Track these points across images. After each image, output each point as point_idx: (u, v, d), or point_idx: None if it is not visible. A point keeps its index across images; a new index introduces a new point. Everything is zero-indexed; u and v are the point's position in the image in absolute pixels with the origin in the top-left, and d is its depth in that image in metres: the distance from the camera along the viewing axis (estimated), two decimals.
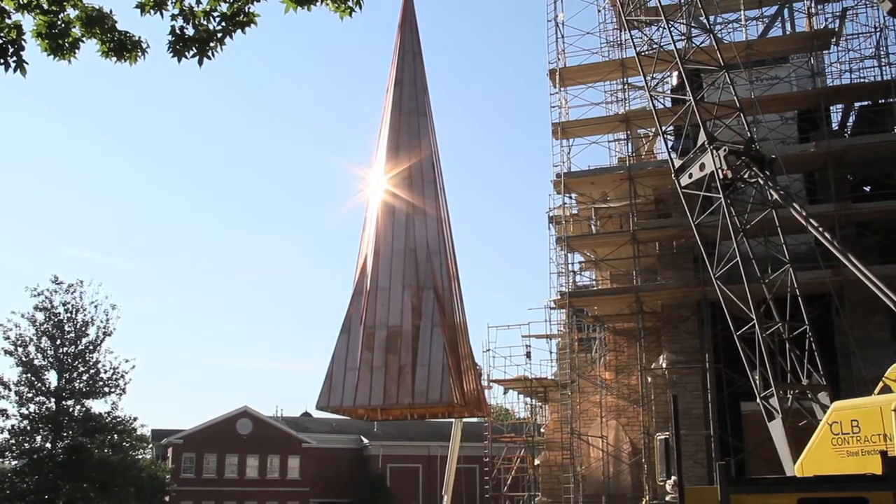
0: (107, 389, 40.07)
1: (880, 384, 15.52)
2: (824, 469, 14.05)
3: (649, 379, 28.93)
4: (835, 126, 30.63)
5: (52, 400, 39.04)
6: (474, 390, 16.06)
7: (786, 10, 32.18)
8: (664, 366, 28.32)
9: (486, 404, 19.31)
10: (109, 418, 39.94)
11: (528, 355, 34.43)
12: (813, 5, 32.27)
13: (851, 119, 31.37)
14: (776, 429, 17.90)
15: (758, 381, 18.50)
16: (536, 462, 34.53)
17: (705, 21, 24.31)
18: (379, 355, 15.09)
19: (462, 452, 34.53)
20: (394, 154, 16.41)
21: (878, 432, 14.01)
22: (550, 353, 35.66)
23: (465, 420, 35.09)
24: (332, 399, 15.14)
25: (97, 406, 40.66)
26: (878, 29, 29.68)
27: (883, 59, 29.17)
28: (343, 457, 63.29)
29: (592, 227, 33.85)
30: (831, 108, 30.07)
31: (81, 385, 39.55)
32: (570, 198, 32.64)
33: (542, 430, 36.35)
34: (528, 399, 37.76)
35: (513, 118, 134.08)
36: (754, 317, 18.68)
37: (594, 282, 35.82)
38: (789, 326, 18.91)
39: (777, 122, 28.38)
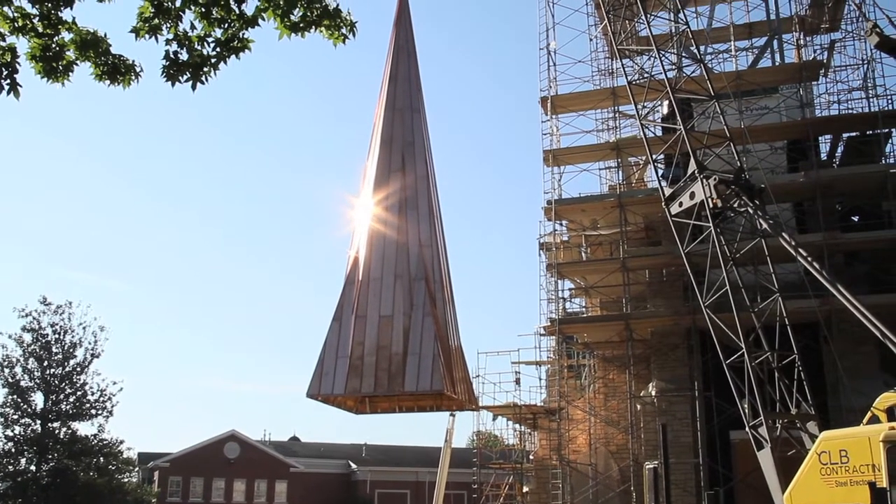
0: (93, 412, 39.83)
1: (868, 414, 15.56)
2: (813, 499, 14.06)
3: (638, 406, 28.88)
4: (823, 156, 30.86)
5: (38, 422, 38.75)
6: (464, 384, 16.15)
7: (775, 42, 32.53)
8: (653, 393, 28.29)
9: (475, 398, 19.37)
10: (95, 441, 39.65)
11: (518, 382, 34.31)
12: (802, 37, 32.63)
13: (840, 149, 31.63)
14: (765, 458, 17.88)
15: (747, 410, 18.50)
16: (525, 489, 34.35)
17: (696, 51, 24.59)
18: (370, 344, 15.23)
19: (450, 479, 34.35)
20: (387, 149, 16.58)
21: (867, 462, 14.04)
22: (540, 379, 35.62)
23: (455, 441, 34.87)
24: (322, 386, 15.20)
25: (83, 428, 40.41)
26: (866, 61, 30.03)
27: (871, 91, 29.48)
28: (331, 482, 62.84)
29: (583, 254, 33.92)
30: (820, 138, 30.31)
31: (68, 407, 39.30)
32: (561, 225, 32.74)
33: (530, 456, 36.19)
34: (517, 426, 37.60)
35: (505, 144, 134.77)
36: (743, 345, 18.71)
37: (584, 309, 35.83)
38: (778, 355, 18.95)
39: (766, 152, 28.58)
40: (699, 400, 26.99)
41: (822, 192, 27.08)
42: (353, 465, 63.07)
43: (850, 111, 30.50)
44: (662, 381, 28.10)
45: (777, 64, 31.72)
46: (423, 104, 17.25)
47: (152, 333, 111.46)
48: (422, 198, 16.35)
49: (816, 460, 14.89)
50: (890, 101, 28.77)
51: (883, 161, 28.37)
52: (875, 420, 15.25)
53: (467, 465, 44.96)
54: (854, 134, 30.32)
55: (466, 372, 17.08)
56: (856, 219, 29.79)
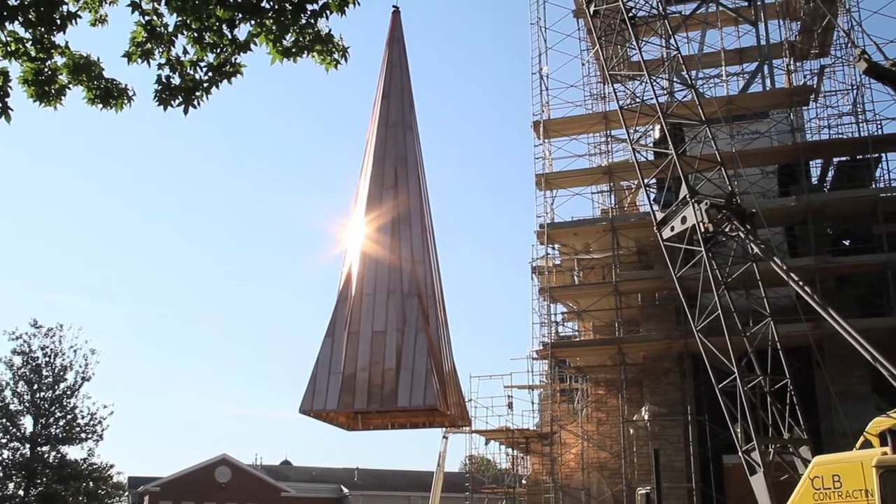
0: (84, 436, 39.62)
1: (861, 439, 15.53)
2: None
3: (631, 431, 28.81)
4: (814, 180, 31.03)
5: (27, 446, 38.48)
6: (457, 404, 16.13)
7: (766, 67, 32.78)
8: (646, 417, 28.23)
9: (468, 416, 19.32)
10: (85, 465, 39.39)
11: (510, 406, 34.20)
12: (792, 62, 32.94)
13: (830, 174, 31.81)
14: (758, 483, 17.83)
15: (739, 435, 18.47)
16: None
17: (687, 76, 24.75)
18: (363, 360, 15.25)
19: (442, 503, 34.10)
20: (379, 166, 16.63)
21: (860, 488, 14.00)
22: (532, 403, 35.52)
23: (447, 465, 34.62)
24: (315, 402, 15.17)
25: (73, 452, 40.15)
26: (855, 87, 30.27)
27: (860, 116, 29.66)
28: None
29: (575, 277, 33.95)
30: (811, 162, 30.49)
31: (58, 431, 39.08)
32: (553, 248, 32.81)
33: (523, 481, 36.02)
34: (509, 450, 37.47)
35: (497, 168, 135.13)
36: (735, 370, 18.70)
37: (576, 333, 35.81)
38: (770, 380, 18.94)
39: (758, 176, 28.71)
40: (692, 424, 26.95)
41: (813, 217, 27.21)
42: (345, 490, 62.62)
43: (840, 136, 30.71)
44: (655, 406, 28.06)
45: (767, 89, 31.94)
46: (415, 121, 17.31)
47: (143, 356, 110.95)
48: (414, 214, 16.39)
49: (809, 485, 14.84)
50: (879, 126, 28.97)
51: (873, 186, 28.53)
52: (868, 445, 15.23)
53: (459, 489, 44.69)
54: (844, 158, 30.50)
55: (461, 396, 17.07)
56: (847, 243, 29.90)
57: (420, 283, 15.84)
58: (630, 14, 22.96)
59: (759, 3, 33.55)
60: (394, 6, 17.41)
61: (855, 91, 30.35)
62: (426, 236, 16.40)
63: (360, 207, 16.54)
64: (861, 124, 29.55)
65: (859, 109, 29.80)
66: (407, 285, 15.74)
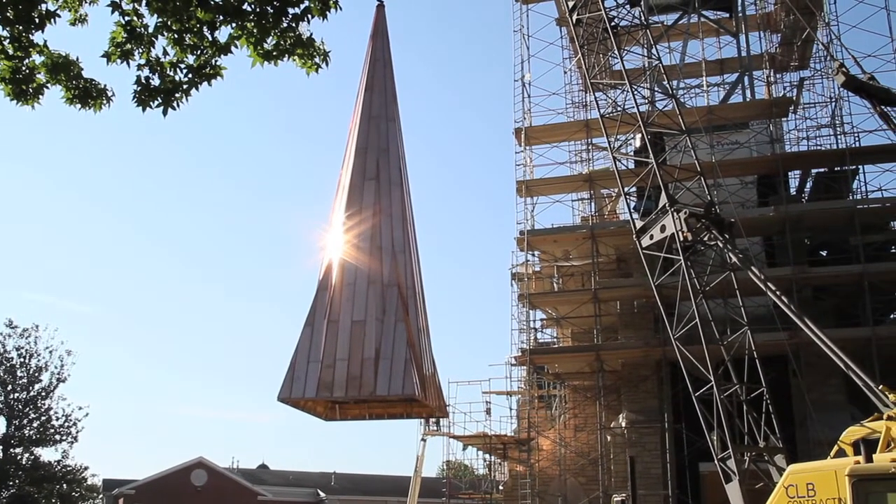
0: (58, 437, 39.30)
1: (835, 447, 15.64)
2: None
3: (609, 438, 28.88)
4: (793, 191, 31.28)
5: (0, 447, 38.08)
6: (435, 396, 16.15)
7: (746, 78, 33.04)
8: (623, 425, 28.31)
9: (446, 408, 19.35)
10: (59, 467, 39.05)
11: (488, 412, 34.20)
12: (772, 74, 33.22)
13: (809, 185, 32.08)
14: (733, 491, 17.90)
15: (715, 443, 18.54)
16: None
17: (668, 86, 24.85)
18: (342, 349, 15.26)
19: None
20: (361, 157, 16.64)
21: (833, 496, 14.07)
22: (510, 409, 35.51)
23: (424, 470, 34.56)
24: (294, 390, 15.17)
25: (47, 454, 39.86)
26: (834, 99, 30.56)
27: (838, 128, 29.94)
28: None
29: (554, 284, 34.03)
30: (789, 173, 30.73)
31: (31, 432, 38.74)
32: (533, 255, 32.85)
33: (500, 486, 36.03)
34: (487, 455, 37.47)
35: (478, 174, 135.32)
36: (712, 378, 18.78)
37: (555, 339, 35.88)
38: (747, 388, 19.03)
39: (737, 186, 28.90)
40: (669, 432, 27.05)
41: (791, 227, 27.42)
42: (322, 494, 62.43)
43: (818, 147, 31.01)
44: (632, 413, 28.14)
45: (748, 100, 32.19)
46: (398, 114, 17.31)
47: (120, 358, 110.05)
48: (396, 205, 16.41)
49: (784, 493, 14.91)
50: (857, 139, 29.26)
51: (850, 197, 28.79)
52: (842, 453, 15.32)
53: (437, 494, 44.67)
54: (822, 170, 30.76)
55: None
56: (824, 253, 30.14)
57: (400, 274, 15.87)
58: (612, 23, 23.05)
59: (740, 14, 33.85)
60: (378, 2, 17.42)
61: (833, 103, 30.68)
62: (407, 227, 16.43)
63: (341, 198, 16.53)
64: (839, 136, 29.86)
65: (837, 122, 30.11)
66: (387, 276, 15.77)
